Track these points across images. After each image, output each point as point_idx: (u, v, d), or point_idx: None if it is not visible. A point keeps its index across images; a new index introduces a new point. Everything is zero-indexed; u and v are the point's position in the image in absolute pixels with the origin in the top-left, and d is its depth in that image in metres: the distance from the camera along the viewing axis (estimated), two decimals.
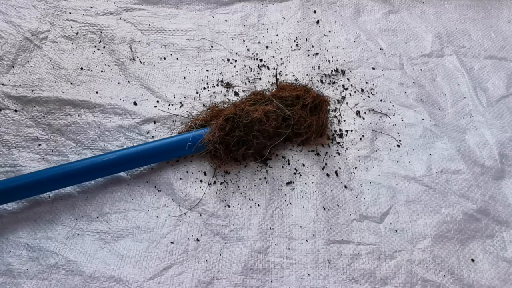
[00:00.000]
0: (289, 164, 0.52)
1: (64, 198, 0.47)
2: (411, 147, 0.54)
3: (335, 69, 0.62)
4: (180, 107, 0.55)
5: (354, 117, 0.57)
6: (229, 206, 0.48)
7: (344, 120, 0.56)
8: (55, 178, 0.45)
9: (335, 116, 0.57)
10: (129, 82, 0.58)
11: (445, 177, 0.51)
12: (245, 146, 0.49)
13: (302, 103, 0.51)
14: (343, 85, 0.60)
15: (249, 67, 0.61)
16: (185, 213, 0.47)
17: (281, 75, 0.59)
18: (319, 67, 0.62)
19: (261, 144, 0.50)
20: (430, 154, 0.54)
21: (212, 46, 0.62)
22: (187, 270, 0.43)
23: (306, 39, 0.65)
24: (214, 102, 0.53)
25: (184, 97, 0.56)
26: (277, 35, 0.66)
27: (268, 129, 0.49)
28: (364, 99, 0.59)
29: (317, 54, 0.63)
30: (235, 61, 0.61)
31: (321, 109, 0.52)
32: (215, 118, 0.50)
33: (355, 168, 0.52)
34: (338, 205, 0.49)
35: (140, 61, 0.60)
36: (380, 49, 0.65)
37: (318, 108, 0.52)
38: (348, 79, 0.61)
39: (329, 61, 0.60)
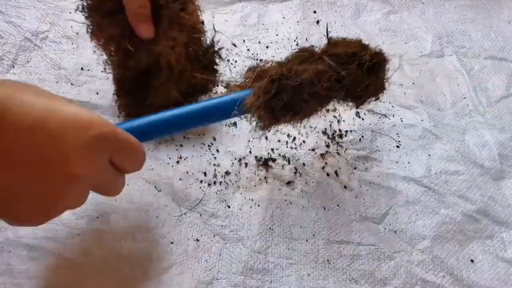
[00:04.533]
0: (289, 163, 0.52)
1: None
2: (410, 148, 0.54)
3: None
4: None
5: (353, 118, 0.57)
6: (229, 207, 0.48)
7: (344, 121, 0.56)
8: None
9: (334, 116, 0.57)
10: None
11: (444, 178, 0.52)
12: (293, 111, 0.42)
13: (359, 61, 0.43)
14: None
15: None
16: (185, 213, 0.47)
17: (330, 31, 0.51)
18: None
19: (311, 109, 0.44)
20: (430, 155, 0.54)
21: None
22: (187, 270, 0.43)
23: (306, 39, 0.65)
24: (255, 63, 0.46)
25: None
26: (277, 35, 0.66)
27: (320, 91, 0.42)
28: None
29: None
30: (235, 61, 0.61)
31: (379, 69, 0.45)
32: (258, 80, 0.43)
33: (355, 168, 0.52)
34: (338, 205, 0.49)
35: None
36: (380, 49, 0.65)
37: (376, 68, 0.45)
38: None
39: None
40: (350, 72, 0.43)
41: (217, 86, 0.53)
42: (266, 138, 0.54)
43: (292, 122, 0.45)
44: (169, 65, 0.45)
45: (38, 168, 0.29)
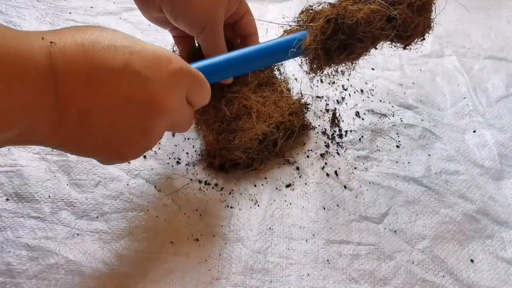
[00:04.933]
0: (289, 163, 0.52)
1: (64, 198, 0.47)
2: (410, 148, 0.54)
3: (335, 69, 0.61)
4: None
5: (353, 118, 0.57)
6: (228, 207, 0.48)
7: (343, 121, 0.56)
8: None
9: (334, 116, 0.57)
10: None
11: (444, 178, 0.52)
12: (347, 51, 0.44)
13: (408, 1, 0.44)
14: (342, 86, 0.60)
15: None
16: (185, 213, 0.47)
17: None
18: None
19: (363, 49, 0.45)
20: (429, 154, 0.54)
21: None
22: (186, 270, 0.44)
23: None
24: (308, 4, 0.47)
25: None
26: (277, 34, 0.66)
27: (373, 31, 0.43)
28: (363, 100, 0.59)
29: None
30: None
31: (428, 9, 0.46)
32: (313, 21, 0.44)
33: (355, 168, 0.52)
34: (337, 205, 0.49)
35: None
36: (380, 49, 0.65)
37: (425, 8, 0.45)
38: (348, 80, 0.60)
39: None
40: (401, 11, 0.43)
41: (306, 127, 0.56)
42: None
43: (344, 63, 0.46)
44: (259, 110, 0.50)
45: (130, 109, 0.30)
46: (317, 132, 0.55)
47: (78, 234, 0.45)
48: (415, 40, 0.47)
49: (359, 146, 0.54)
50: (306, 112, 0.56)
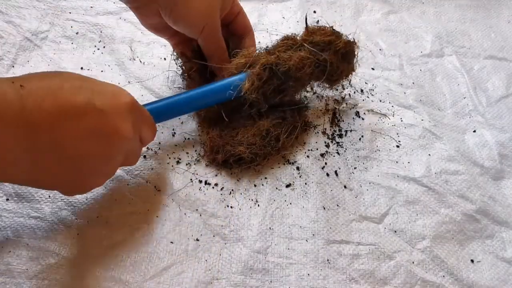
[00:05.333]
0: (289, 163, 0.52)
1: (64, 198, 0.47)
2: (410, 148, 0.54)
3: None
4: None
5: (353, 118, 0.57)
6: (228, 207, 0.48)
7: (343, 121, 0.56)
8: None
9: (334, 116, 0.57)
10: (129, 82, 0.58)
11: (444, 178, 0.52)
12: (281, 94, 0.49)
13: (334, 49, 0.49)
14: (342, 86, 0.60)
15: None
16: (185, 213, 0.47)
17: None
18: None
19: (295, 91, 0.51)
20: (430, 154, 0.54)
21: None
22: (186, 270, 0.44)
23: None
24: (244, 49, 0.51)
25: None
26: (277, 35, 0.66)
27: (303, 76, 0.48)
28: (363, 100, 0.59)
29: None
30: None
31: (351, 56, 0.51)
32: (251, 67, 0.48)
33: (355, 168, 0.52)
34: (337, 205, 0.49)
35: (140, 61, 0.60)
36: (380, 49, 0.65)
37: (348, 55, 0.50)
38: (348, 80, 0.60)
39: None
40: (328, 59, 0.48)
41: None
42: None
43: (280, 101, 0.50)
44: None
45: (94, 139, 0.34)
46: (317, 132, 0.55)
47: (78, 234, 0.45)
48: (341, 82, 0.53)
49: (359, 146, 0.54)
50: (307, 110, 0.56)
